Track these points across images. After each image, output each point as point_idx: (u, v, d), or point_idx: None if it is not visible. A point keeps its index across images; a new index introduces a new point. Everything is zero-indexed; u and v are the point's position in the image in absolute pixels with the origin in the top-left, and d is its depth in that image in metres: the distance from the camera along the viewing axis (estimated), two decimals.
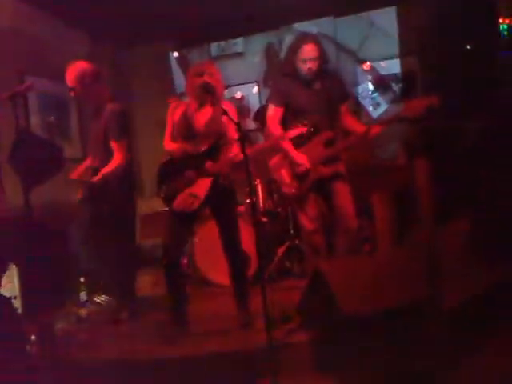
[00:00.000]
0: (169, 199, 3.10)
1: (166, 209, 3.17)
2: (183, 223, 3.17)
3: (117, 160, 3.41)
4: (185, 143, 3.13)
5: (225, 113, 2.81)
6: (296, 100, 3.28)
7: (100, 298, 3.79)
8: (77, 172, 3.64)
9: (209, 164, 3.05)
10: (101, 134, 3.44)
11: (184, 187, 3.06)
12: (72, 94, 3.52)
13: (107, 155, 3.43)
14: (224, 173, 3.10)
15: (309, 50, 3.17)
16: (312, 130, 3.14)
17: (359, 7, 5.23)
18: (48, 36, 4.55)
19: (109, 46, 5.56)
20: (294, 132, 3.11)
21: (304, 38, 3.24)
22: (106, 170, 3.40)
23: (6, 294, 3.06)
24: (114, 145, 3.41)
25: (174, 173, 3.11)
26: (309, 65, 3.18)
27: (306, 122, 3.12)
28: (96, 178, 3.40)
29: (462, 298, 2.55)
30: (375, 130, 3.19)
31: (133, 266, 3.77)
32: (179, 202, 3.05)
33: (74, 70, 3.45)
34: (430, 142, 4.58)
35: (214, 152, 3.09)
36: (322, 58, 3.23)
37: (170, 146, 3.21)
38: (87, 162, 3.66)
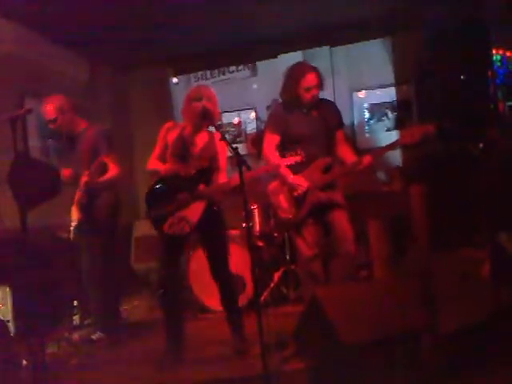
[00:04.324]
0: (159, 222, 3.03)
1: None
2: (174, 248, 3.12)
3: (113, 170, 3.61)
4: (176, 165, 3.09)
5: (223, 138, 2.82)
6: (294, 127, 3.31)
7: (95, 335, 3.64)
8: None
9: (202, 187, 3.02)
10: (86, 156, 3.56)
11: (175, 210, 3.01)
12: (52, 126, 3.69)
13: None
14: (216, 197, 3.08)
15: (311, 79, 3.24)
16: (306, 158, 3.13)
17: (355, 37, 5.35)
18: (48, 60, 4.59)
19: (109, 70, 5.62)
20: (288, 160, 3.11)
21: (305, 67, 3.31)
22: (106, 177, 3.57)
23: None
24: (106, 159, 3.57)
25: (164, 195, 3.05)
26: (313, 92, 3.25)
27: (299, 150, 3.10)
28: (100, 179, 3.52)
29: (459, 324, 2.54)
30: (366, 160, 3.19)
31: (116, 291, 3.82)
32: (170, 225, 2.99)
33: (53, 103, 3.64)
34: (426, 168, 4.62)
35: (206, 176, 3.07)
36: (321, 85, 3.30)
37: (154, 165, 3.16)
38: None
